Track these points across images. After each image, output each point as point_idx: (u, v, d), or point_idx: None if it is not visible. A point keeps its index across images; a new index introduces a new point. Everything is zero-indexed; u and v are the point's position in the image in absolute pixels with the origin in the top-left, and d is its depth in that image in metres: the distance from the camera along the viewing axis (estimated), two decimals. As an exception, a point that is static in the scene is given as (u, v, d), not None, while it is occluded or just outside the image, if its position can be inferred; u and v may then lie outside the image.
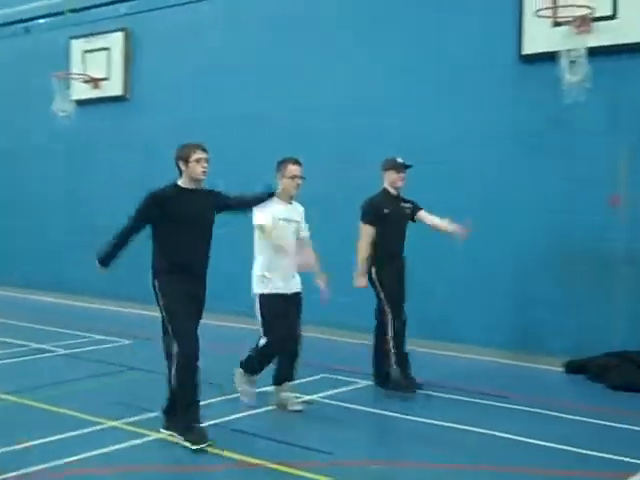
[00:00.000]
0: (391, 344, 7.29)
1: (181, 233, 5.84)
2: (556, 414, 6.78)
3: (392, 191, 7.61)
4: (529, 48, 8.93)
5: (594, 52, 8.29)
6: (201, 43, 11.94)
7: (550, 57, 8.56)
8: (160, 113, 12.38)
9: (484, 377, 8.27)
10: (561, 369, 8.51)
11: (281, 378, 6.86)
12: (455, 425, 6.36)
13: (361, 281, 7.42)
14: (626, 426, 6.44)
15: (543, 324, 8.88)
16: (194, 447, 5.58)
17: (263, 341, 6.70)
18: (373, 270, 7.41)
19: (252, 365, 6.85)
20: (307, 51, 10.84)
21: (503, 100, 9.21)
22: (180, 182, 5.98)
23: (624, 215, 8.43)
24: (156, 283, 5.86)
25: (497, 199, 9.23)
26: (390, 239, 7.48)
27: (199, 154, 5.91)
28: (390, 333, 7.29)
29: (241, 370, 6.91)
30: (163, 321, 5.88)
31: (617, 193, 8.46)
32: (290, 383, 6.88)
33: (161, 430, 5.95)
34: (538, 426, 6.42)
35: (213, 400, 6.81)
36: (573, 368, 8.42)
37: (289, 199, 6.91)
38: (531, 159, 9.02)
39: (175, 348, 5.67)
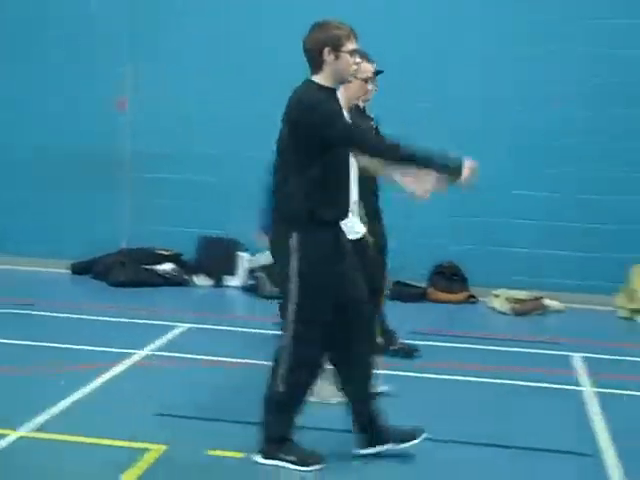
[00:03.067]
0: None
1: (337, 166, 4.02)
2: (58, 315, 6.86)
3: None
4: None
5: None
6: None
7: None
8: None
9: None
10: (68, 271, 8.58)
11: None
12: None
13: None
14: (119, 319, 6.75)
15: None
16: None
17: None
18: None
19: None
20: None
21: None
22: (323, 81, 3.98)
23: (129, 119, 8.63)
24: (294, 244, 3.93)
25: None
26: None
27: (353, 43, 3.98)
28: None
29: None
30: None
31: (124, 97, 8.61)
32: None
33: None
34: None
35: None
36: (79, 269, 8.55)
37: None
38: None
39: None
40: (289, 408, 4.01)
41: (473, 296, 8.01)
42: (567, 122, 7.84)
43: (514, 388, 5.43)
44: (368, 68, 5.00)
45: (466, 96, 7.96)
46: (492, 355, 6.22)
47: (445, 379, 5.54)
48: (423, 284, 8.08)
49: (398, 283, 8.01)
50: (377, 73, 5.21)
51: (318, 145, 3.83)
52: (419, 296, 7.96)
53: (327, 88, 3.93)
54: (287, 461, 3.98)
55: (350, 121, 4.16)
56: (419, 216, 7.65)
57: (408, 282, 8.04)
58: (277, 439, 4.01)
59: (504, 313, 7.56)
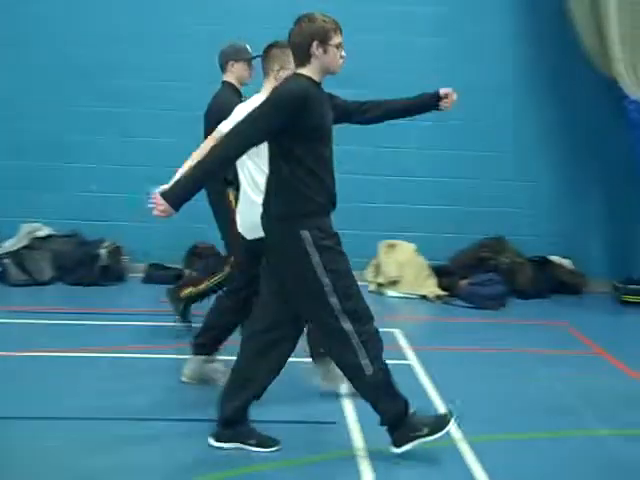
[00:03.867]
0: None
1: (325, 155, 4.00)
2: None
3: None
4: None
5: None
6: None
7: None
8: None
9: None
10: None
11: None
12: None
13: None
14: None
15: None
16: None
17: None
18: None
19: None
20: None
21: None
22: (310, 74, 3.99)
23: None
24: (308, 238, 3.89)
25: None
26: None
27: (340, 37, 4.00)
28: None
29: None
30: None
31: None
32: None
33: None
34: None
35: None
36: None
37: None
38: None
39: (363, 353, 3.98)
40: (390, 382, 4.06)
41: (231, 276, 8.06)
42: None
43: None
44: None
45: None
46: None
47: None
48: (179, 266, 8.03)
49: (154, 265, 7.95)
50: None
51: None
52: (175, 278, 7.89)
53: (315, 81, 3.96)
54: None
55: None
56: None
57: (164, 264, 7.98)
58: (401, 418, 4.07)
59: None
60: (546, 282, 8.04)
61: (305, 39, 3.92)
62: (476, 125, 8.28)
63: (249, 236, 4.71)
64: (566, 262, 8.27)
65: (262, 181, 4.33)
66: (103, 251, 7.71)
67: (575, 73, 8.15)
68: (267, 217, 4.01)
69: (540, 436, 4.54)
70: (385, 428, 4.11)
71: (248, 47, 5.92)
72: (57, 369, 5.23)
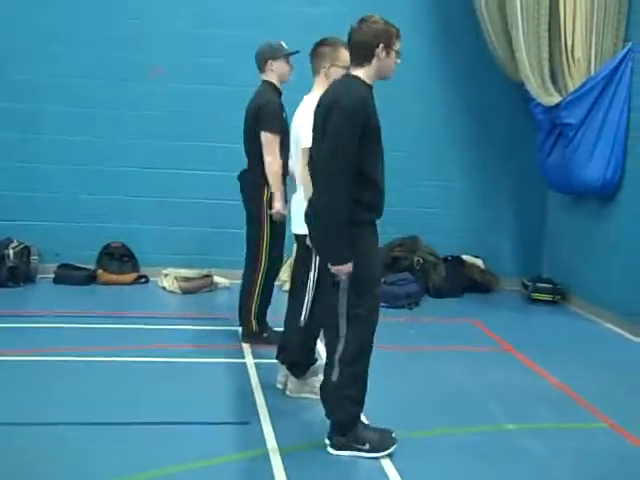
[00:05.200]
0: None
1: (379, 158, 4.23)
2: None
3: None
4: None
5: None
6: None
7: None
8: None
9: None
10: None
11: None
12: None
13: None
14: None
15: None
16: None
17: None
18: None
19: None
20: None
21: None
22: (366, 76, 4.10)
23: None
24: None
25: None
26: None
27: (400, 43, 4.17)
28: None
29: None
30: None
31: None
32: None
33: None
34: None
35: None
36: None
37: None
38: None
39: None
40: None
41: (144, 276, 7.97)
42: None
43: (175, 365, 5.50)
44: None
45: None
46: (156, 334, 6.23)
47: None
48: (91, 266, 7.88)
49: (64, 266, 7.79)
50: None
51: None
52: (87, 278, 7.75)
53: (368, 85, 4.08)
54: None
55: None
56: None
57: (75, 264, 7.83)
58: (350, 427, 4.18)
59: (173, 292, 7.61)
60: (459, 281, 8.18)
61: (371, 39, 4.01)
62: (389, 126, 8.31)
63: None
64: (478, 261, 8.44)
65: None
66: (10, 251, 7.50)
67: (485, 75, 8.31)
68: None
69: (449, 432, 4.62)
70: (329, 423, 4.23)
71: (284, 44, 5.90)
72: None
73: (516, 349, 6.27)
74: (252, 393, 5.01)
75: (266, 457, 4.13)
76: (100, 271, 7.83)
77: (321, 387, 4.31)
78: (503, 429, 4.71)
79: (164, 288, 7.68)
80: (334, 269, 3.98)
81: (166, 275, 7.73)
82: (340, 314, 4.10)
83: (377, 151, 4.09)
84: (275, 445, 4.25)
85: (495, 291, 8.35)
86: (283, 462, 4.06)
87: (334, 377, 4.14)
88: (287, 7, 8.05)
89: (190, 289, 7.57)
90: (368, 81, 4.05)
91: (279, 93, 5.88)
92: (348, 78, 4.12)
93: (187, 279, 7.62)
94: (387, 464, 4.12)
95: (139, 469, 3.92)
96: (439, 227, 8.51)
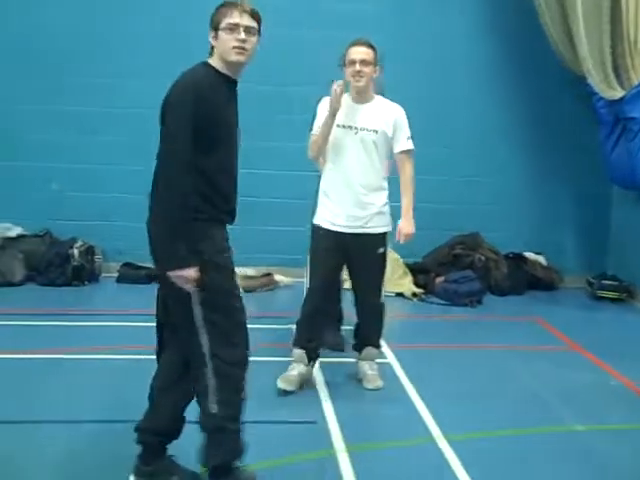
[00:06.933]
0: None
1: (220, 151, 3.56)
2: None
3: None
4: None
5: None
6: None
7: None
8: None
9: None
10: None
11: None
12: None
13: None
14: None
15: None
16: None
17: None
18: None
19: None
20: None
21: None
22: (216, 65, 3.59)
23: None
24: None
25: None
26: None
27: (235, 18, 3.51)
28: None
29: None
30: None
31: None
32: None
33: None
34: None
35: None
36: None
37: (358, 96, 5.00)
38: None
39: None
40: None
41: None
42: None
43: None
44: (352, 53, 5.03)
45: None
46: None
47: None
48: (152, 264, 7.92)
49: (127, 265, 7.89)
50: None
51: None
52: (149, 277, 7.80)
53: (218, 72, 3.56)
54: None
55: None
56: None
57: (138, 263, 7.91)
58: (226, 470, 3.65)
59: (234, 290, 7.63)
60: (521, 278, 8.07)
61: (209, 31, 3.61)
62: (446, 123, 8.28)
63: None
64: (540, 258, 8.32)
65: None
66: (75, 251, 7.62)
67: (544, 69, 8.18)
68: None
69: (519, 432, 4.55)
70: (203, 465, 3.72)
71: None
72: (24, 372, 5.14)
73: (583, 348, 6.16)
74: (318, 392, 5.00)
75: (333, 457, 4.12)
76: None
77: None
78: (573, 430, 4.62)
79: (225, 287, 7.70)
80: (173, 276, 3.42)
81: (227, 274, 7.75)
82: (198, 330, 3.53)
83: (222, 143, 3.54)
84: (342, 445, 4.24)
85: (558, 289, 8.22)
86: (351, 461, 4.05)
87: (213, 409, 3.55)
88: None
89: (251, 287, 7.60)
90: (219, 68, 3.55)
91: None
92: (195, 66, 3.62)
93: (249, 277, 7.64)
94: (455, 463, 4.07)
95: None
96: (500, 224, 8.40)
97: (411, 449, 4.27)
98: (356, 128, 4.92)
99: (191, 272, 3.42)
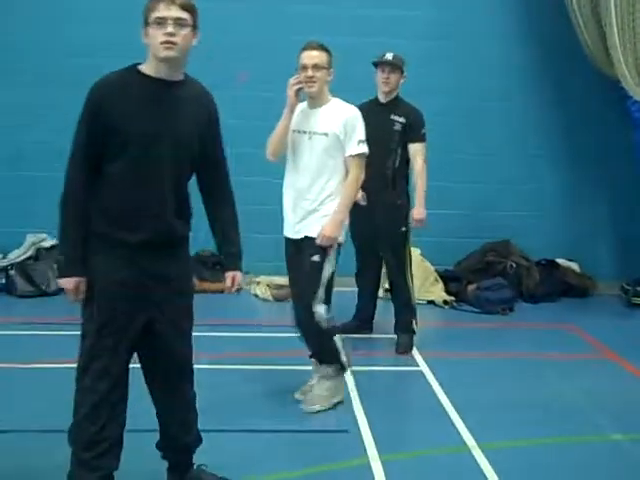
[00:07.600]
0: None
1: (127, 160, 3.31)
2: None
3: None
4: None
5: None
6: None
7: None
8: None
9: None
10: None
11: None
12: None
13: None
14: None
15: None
16: None
17: None
18: None
19: None
20: None
21: None
22: (146, 64, 3.36)
23: None
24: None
25: None
26: None
27: (162, 11, 3.23)
28: None
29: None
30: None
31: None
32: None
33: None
34: None
35: None
36: None
37: (312, 101, 4.85)
38: None
39: None
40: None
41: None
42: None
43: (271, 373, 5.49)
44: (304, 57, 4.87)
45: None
46: (251, 341, 6.25)
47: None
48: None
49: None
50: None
51: None
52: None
53: (143, 75, 3.31)
54: None
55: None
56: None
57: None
58: None
59: (266, 299, 7.64)
60: (554, 285, 7.99)
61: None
62: (478, 128, 8.25)
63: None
64: (573, 265, 8.24)
65: None
66: (108, 261, 7.65)
67: (578, 73, 8.12)
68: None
69: (553, 441, 4.50)
70: None
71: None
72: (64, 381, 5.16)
73: (619, 355, 6.09)
74: (350, 401, 4.98)
75: (367, 465, 4.10)
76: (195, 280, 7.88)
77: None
78: (610, 439, 4.57)
79: (256, 295, 7.73)
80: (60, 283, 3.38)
81: (258, 283, 7.78)
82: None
83: (131, 151, 3.26)
84: (375, 453, 4.22)
85: (592, 295, 8.13)
86: (384, 470, 4.03)
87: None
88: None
89: (282, 296, 7.59)
90: (148, 66, 3.30)
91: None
92: (120, 69, 3.39)
93: (280, 287, 7.63)
94: (490, 473, 4.03)
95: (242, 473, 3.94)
96: (531, 230, 8.34)
97: (445, 458, 4.24)
98: (309, 133, 4.77)
99: (69, 283, 3.33)
